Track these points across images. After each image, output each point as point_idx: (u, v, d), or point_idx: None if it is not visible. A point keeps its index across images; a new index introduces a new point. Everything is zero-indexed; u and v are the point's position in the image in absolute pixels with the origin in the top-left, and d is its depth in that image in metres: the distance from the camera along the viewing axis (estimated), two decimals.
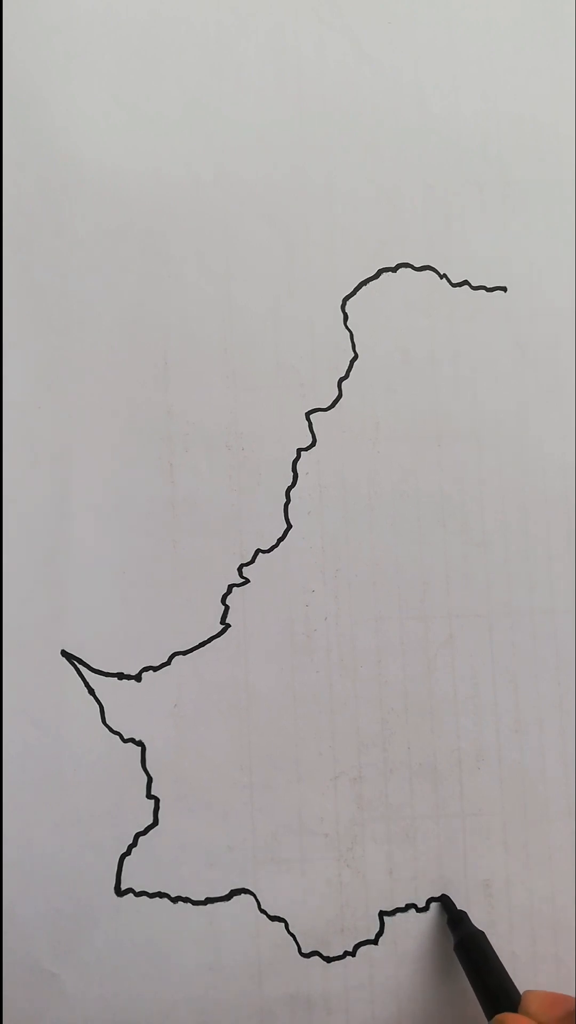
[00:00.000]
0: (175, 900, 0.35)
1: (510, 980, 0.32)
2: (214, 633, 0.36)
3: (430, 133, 0.38)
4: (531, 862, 0.36)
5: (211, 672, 0.36)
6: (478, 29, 0.39)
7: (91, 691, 0.35)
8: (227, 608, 0.36)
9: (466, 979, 0.34)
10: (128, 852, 0.35)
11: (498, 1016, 0.30)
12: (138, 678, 0.35)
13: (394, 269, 0.38)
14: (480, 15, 0.39)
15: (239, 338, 0.37)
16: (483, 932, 0.34)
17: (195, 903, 0.35)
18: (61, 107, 0.37)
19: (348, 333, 0.37)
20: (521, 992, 0.32)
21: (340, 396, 0.37)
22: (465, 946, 0.33)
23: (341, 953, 0.35)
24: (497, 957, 0.33)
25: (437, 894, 0.35)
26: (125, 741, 0.35)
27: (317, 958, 0.35)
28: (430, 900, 0.35)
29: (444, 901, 0.35)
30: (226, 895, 0.35)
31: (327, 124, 0.38)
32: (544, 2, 0.39)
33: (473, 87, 0.39)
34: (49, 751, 0.35)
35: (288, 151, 0.38)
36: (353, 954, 0.35)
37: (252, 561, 0.36)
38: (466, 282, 0.38)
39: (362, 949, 0.35)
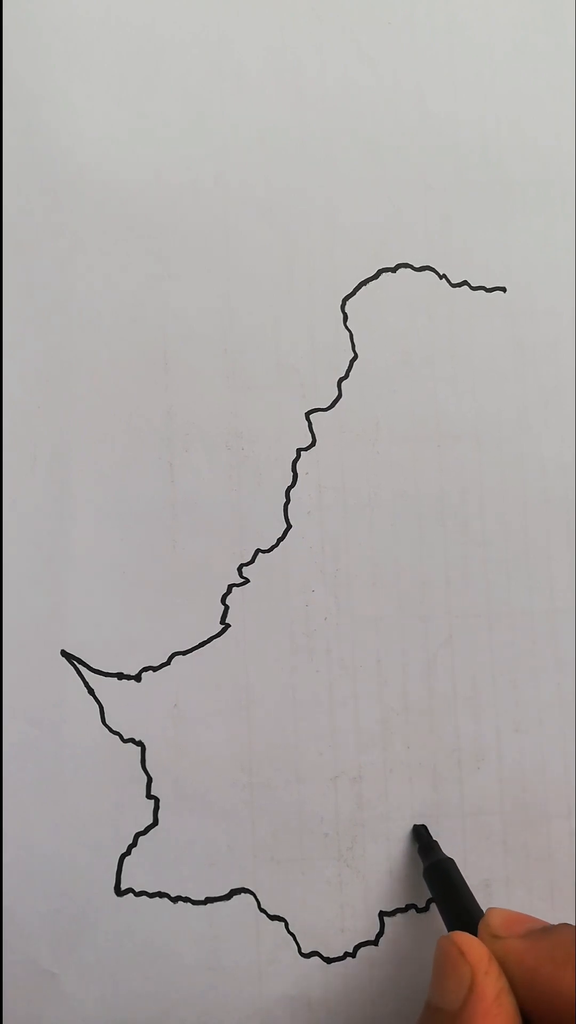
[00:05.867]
0: (175, 900, 0.35)
1: (476, 904, 0.32)
2: (214, 633, 0.36)
3: (430, 133, 0.38)
4: (531, 862, 0.36)
5: (211, 672, 0.36)
6: (478, 29, 0.39)
7: (91, 691, 0.35)
8: (227, 608, 0.36)
9: None
10: (128, 852, 0.35)
11: (450, 933, 0.29)
12: (138, 678, 0.35)
13: (394, 269, 0.38)
14: (480, 15, 0.39)
15: (239, 338, 0.37)
16: (452, 859, 0.34)
17: (195, 903, 0.35)
18: (61, 108, 0.37)
19: (348, 333, 0.37)
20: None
21: (340, 396, 0.37)
22: (433, 872, 0.33)
23: (341, 954, 0.35)
24: (465, 883, 0.33)
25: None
26: (125, 741, 0.35)
27: (317, 959, 0.35)
28: (430, 901, 0.35)
29: (418, 829, 0.35)
30: (226, 895, 0.35)
31: (327, 124, 0.38)
32: (544, 2, 0.39)
33: (473, 87, 0.39)
34: (49, 751, 0.35)
35: (288, 151, 0.38)
36: (353, 955, 0.35)
37: (252, 561, 0.36)
38: (466, 282, 0.38)
39: (362, 950, 0.35)
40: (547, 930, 0.28)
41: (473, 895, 0.32)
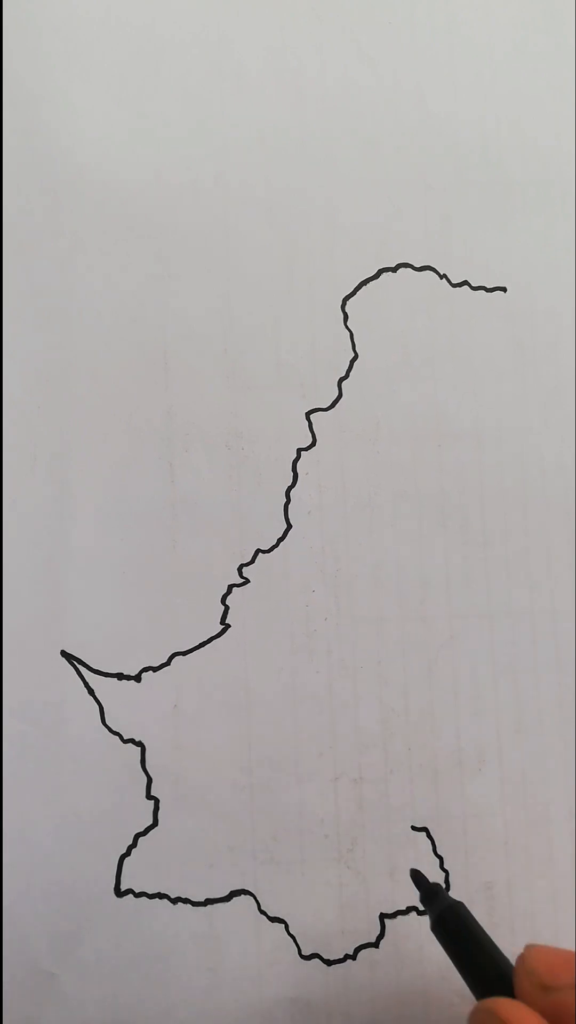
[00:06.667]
0: (175, 901, 0.35)
1: (500, 953, 0.28)
2: (214, 633, 0.36)
3: (430, 133, 0.38)
4: (532, 864, 0.36)
5: (211, 672, 0.36)
6: (478, 29, 0.39)
7: (91, 691, 0.35)
8: (227, 608, 0.36)
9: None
10: (128, 853, 0.35)
11: (484, 1002, 0.24)
12: (138, 678, 0.35)
13: (394, 269, 0.38)
14: (480, 15, 0.39)
15: (239, 338, 0.37)
16: (461, 903, 0.30)
17: (195, 904, 0.35)
18: (61, 108, 0.37)
19: (348, 333, 0.37)
20: (514, 957, 0.27)
21: (340, 396, 0.37)
22: (443, 923, 0.29)
23: (342, 956, 0.35)
24: (482, 929, 0.29)
25: None
26: (125, 741, 0.35)
27: (318, 961, 0.35)
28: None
29: (415, 876, 0.32)
30: (226, 896, 0.35)
31: (327, 124, 0.38)
32: (544, 2, 0.39)
33: (473, 87, 0.39)
34: (49, 751, 0.35)
35: (288, 151, 0.38)
36: (354, 957, 0.35)
37: (252, 561, 0.36)
38: (466, 282, 0.38)
39: (363, 952, 0.35)
40: None
41: (493, 942, 0.29)
